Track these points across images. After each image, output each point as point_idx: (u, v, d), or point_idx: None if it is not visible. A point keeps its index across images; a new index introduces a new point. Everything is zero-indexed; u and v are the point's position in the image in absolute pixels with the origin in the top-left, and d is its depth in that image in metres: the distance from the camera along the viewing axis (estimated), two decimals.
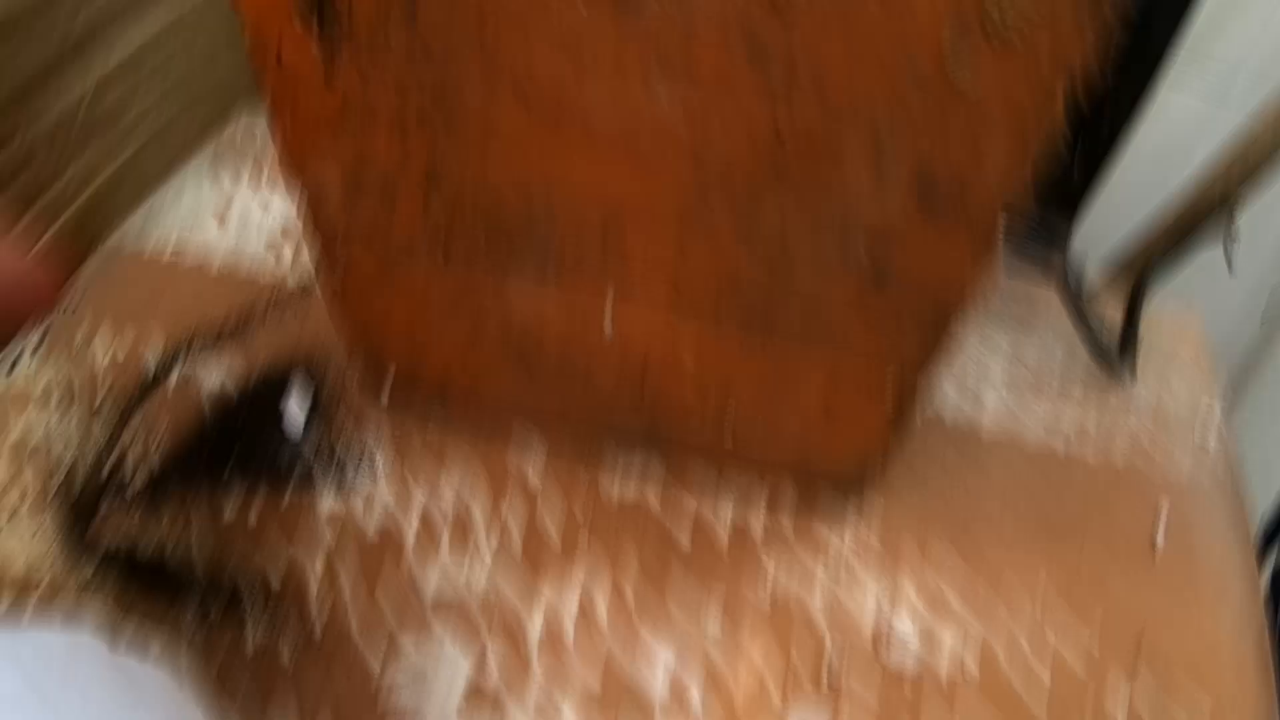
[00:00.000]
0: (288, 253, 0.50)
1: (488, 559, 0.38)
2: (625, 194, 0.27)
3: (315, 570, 0.37)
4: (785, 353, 0.30)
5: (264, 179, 0.56)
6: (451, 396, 0.39)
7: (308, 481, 0.41)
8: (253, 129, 0.60)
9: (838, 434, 0.33)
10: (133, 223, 0.53)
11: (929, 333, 0.29)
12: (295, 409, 0.44)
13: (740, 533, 0.39)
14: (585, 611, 0.36)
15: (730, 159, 0.25)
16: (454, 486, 0.40)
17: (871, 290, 0.27)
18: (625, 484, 0.40)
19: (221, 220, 0.53)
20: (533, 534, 0.38)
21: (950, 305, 0.28)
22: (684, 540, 0.38)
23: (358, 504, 0.40)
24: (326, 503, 0.40)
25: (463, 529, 0.39)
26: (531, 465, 0.40)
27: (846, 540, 0.39)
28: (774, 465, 0.36)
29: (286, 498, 0.40)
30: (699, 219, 0.27)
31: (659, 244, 0.28)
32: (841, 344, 0.29)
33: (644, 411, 0.35)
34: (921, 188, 0.25)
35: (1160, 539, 0.41)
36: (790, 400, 0.32)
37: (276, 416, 0.43)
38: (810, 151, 0.25)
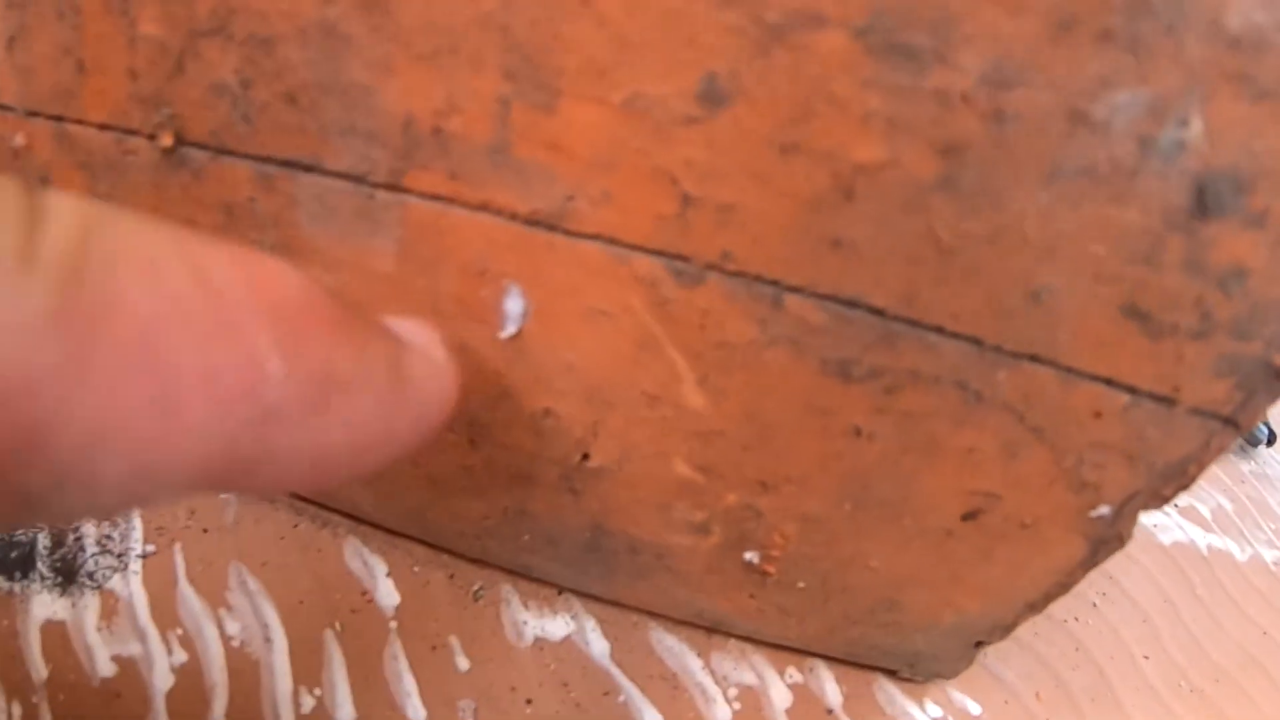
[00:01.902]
0: None
1: None
2: None
3: (9, 716, 0.18)
4: (927, 370, 0.12)
5: None
6: None
7: (27, 563, 0.22)
8: None
9: (981, 563, 0.15)
10: None
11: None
12: None
13: (753, 703, 0.19)
14: None
15: None
16: (249, 597, 0.21)
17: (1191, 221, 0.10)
18: (548, 611, 0.21)
19: None
20: (378, 694, 0.19)
21: None
22: (650, 716, 0.20)
23: (89, 612, 0.20)
24: (46, 602, 0.21)
25: (253, 675, 0.19)
26: (386, 568, 0.21)
27: (930, 711, 0.21)
28: (829, 635, 0.18)
29: None
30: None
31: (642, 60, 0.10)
32: (1068, 357, 0.11)
33: (583, 502, 0.16)
34: None
35: None
36: (905, 485, 0.14)
37: None
38: None
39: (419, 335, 0.11)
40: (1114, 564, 0.25)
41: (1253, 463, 0.29)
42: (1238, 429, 0.12)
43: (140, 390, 0.07)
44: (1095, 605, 0.23)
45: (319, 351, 0.08)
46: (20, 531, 0.21)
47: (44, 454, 0.06)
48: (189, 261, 0.07)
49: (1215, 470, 0.28)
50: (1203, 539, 0.26)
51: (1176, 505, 0.27)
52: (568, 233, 0.11)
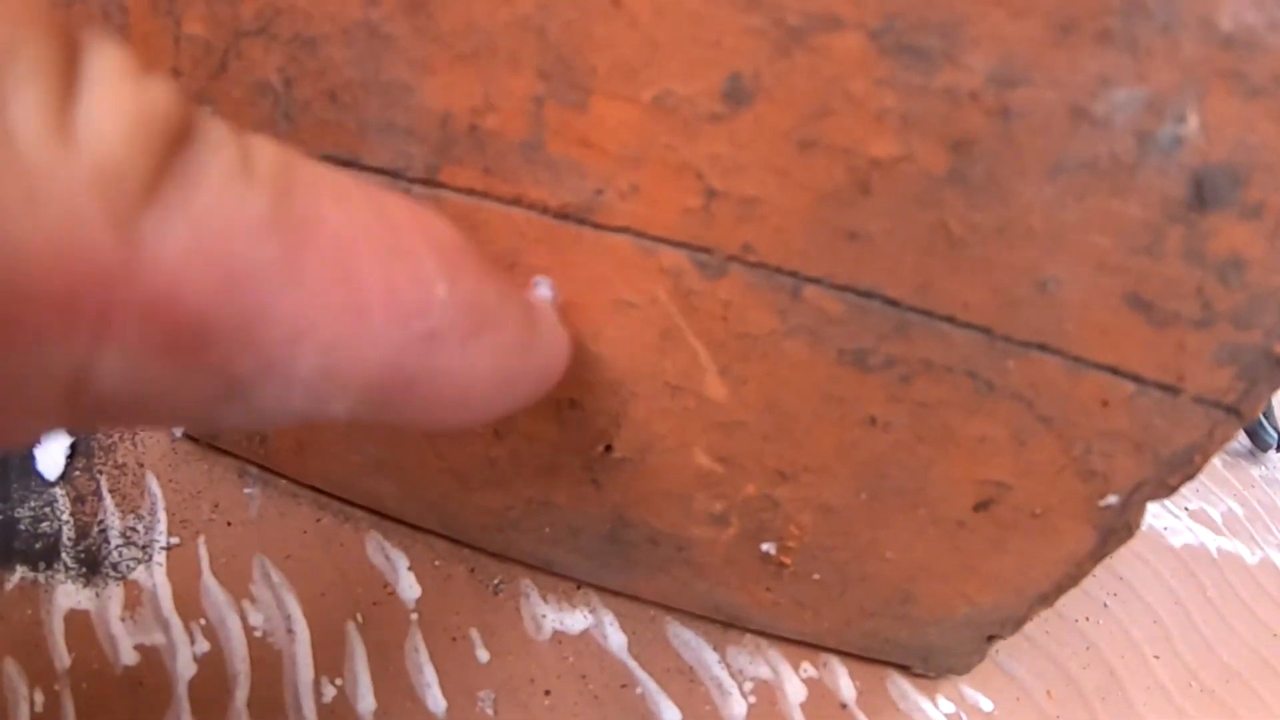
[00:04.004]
0: None
1: None
2: None
3: (31, 704, 0.18)
4: (939, 360, 0.13)
5: None
6: (281, 431, 0.21)
7: (51, 554, 0.22)
8: None
9: (993, 553, 0.16)
10: None
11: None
12: (56, 436, 0.25)
13: (768, 697, 0.20)
14: None
15: None
16: (272, 589, 0.22)
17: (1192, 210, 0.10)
18: (567, 605, 0.21)
19: None
20: (398, 685, 0.20)
21: None
22: (667, 708, 0.20)
23: (113, 602, 0.20)
24: (69, 592, 0.21)
25: (275, 665, 0.20)
26: (408, 561, 0.21)
27: (942, 707, 0.21)
28: (842, 628, 0.19)
29: (16, 576, 0.21)
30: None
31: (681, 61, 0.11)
32: (1075, 346, 0.12)
33: (605, 493, 0.17)
34: None
35: None
36: (919, 475, 0.14)
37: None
38: None
39: (540, 299, 0.13)
40: (1125, 565, 0.25)
41: (1263, 467, 0.29)
42: (1241, 418, 0.13)
43: (336, 295, 0.08)
44: (1106, 606, 0.23)
45: (473, 284, 0.10)
46: (45, 521, 0.22)
47: (255, 341, 0.08)
48: (369, 196, 0.09)
49: (1225, 474, 0.29)
50: (1213, 542, 0.26)
51: (1187, 509, 0.27)
52: (596, 226, 0.12)
